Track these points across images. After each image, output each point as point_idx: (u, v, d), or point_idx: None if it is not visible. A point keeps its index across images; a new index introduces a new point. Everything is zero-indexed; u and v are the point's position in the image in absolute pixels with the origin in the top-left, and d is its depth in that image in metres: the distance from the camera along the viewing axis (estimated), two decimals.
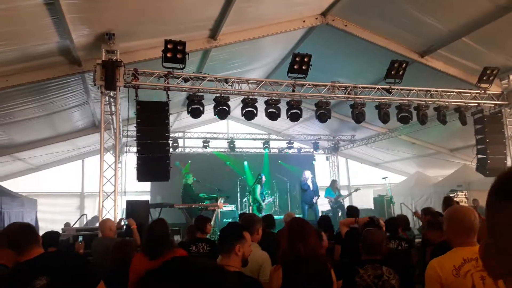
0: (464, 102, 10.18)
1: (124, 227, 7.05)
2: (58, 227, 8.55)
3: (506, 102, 10.49)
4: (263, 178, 13.21)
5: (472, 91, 10.21)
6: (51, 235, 5.33)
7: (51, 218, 13.69)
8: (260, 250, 3.90)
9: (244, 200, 14.34)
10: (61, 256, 2.59)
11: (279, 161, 17.36)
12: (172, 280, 0.99)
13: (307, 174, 13.24)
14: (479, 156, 10.34)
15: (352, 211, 6.29)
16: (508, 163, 10.33)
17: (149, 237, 3.64)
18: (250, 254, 2.77)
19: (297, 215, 8.12)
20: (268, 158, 17.35)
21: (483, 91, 10.22)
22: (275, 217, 6.35)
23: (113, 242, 4.49)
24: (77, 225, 10.35)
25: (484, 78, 9.70)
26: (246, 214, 4.34)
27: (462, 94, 10.17)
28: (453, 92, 10.08)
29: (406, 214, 10.39)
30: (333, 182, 14.86)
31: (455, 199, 10.33)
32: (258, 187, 12.92)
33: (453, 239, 2.50)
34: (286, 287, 2.87)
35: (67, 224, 10.32)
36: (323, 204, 15.78)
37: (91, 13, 6.52)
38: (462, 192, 11.78)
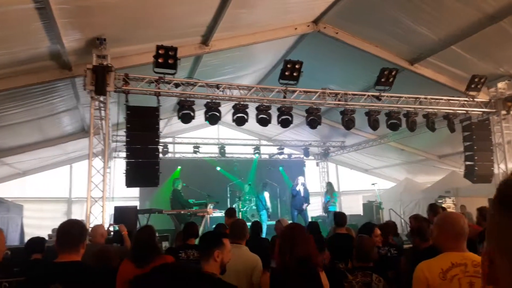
0: (452, 110, 10.30)
1: (112, 233, 6.97)
2: (44, 233, 8.44)
3: (494, 110, 10.64)
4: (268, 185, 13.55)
5: (460, 98, 10.34)
6: (37, 241, 5.23)
7: (37, 224, 13.47)
8: (251, 253, 3.93)
9: (234, 205, 14.30)
10: (78, 265, 2.58)
11: (280, 167, 17.30)
12: (159, 285, 0.99)
13: (299, 179, 13.27)
14: (467, 162, 10.46)
15: (339, 218, 6.29)
16: (495, 170, 10.48)
17: (135, 244, 3.62)
18: (243, 256, 2.80)
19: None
20: (256, 164, 17.34)
21: (471, 99, 10.35)
22: (268, 223, 6.38)
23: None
24: None
25: (472, 86, 9.83)
26: (236, 221, 4.36)
27: (451, 101, 10.29)
28: (441, 99, 10.20)
29: (395, 220, 10.46)
30: (327, 185, 14.79)
31: (443, 205, 10.48)
32: (267, 194, 13.23)
33: (443, 244, 2.53)
34: None
35: (54, 230, 10.17)
36: (313, 210, 15.82)
37: (82, 18, 6.47)
38: (450, 198, 11.91)
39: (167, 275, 2.32)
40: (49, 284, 2.41)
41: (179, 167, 15.24)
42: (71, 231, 2.63)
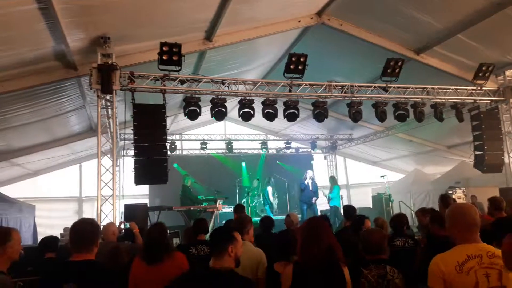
0: (460, 99, 10.20)
1: (123, 231, 7.02)
2: (56, 232, 8.52)
3: (502, 98, 10.52)
4: (272, 180, 13.60)
5: (468, 87, 10.24)
6: (50, 240, 5.30)
7: (49, 223, 13.62)
8: (255, 247, 3.97)
9: (242, 201, 14.34)
10: (91, 264, 2.61)
11: (278, 162, 17.36)
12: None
13: (308, 173, 13.26)
14: (477, 152, 10.37)
15: (349, 211, 6.27)
16: (506, 159, 10.37)
17: (147, 242, 3.65)
18: (248, 252, 2.80)
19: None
20: (264, 159, 17.35)
21: (479, 88, 10.24)
22: (274, 217, 6.38)
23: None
24: None
25: (480, 74, 9.72)
26: (239, 217, 4.39)
27: (459, 91, 10.19)
28: (449, 89, 10.10)
29: (405, 212, 10.40)
30: (330, 179, 14.75)
31: (453, 196, 10.39)
32: (270, 188, 13.29)
33: (456, 236, 2.51)
34: (297, 286, 2.88)
35: (66, 229, 10.28)
36: (322, 204, 15.79)
37: (86, 17, 6.49)
38: (461, 188, 11.78)
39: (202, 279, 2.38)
40: (63, 283, 2.45)
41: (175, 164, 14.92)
42: (83, 230, 2.67)
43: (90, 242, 2.62)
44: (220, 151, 17.21)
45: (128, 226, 6.29)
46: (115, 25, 7.09)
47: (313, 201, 12.83)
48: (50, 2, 5.43)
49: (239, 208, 6.94)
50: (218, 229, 3.14)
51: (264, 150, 17.29)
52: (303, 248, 2.93)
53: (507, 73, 10.35)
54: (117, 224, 7.00)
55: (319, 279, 2.83)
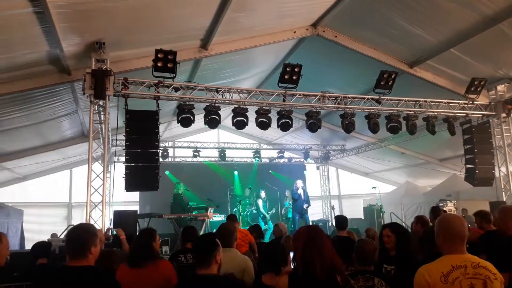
0: (452, 113, 10.28)
1: (112, 237, 6.94)
2: (44, 238, 8.39)
3: (494, 113, 10.63)
4: (263, 193, 13.69)
5: (460, 101, 10.33)
6: (42, 246, 5.22)
7: (38, 229, 13.46)
8: (241, 255, 3.95)
9: (234, 210, 14.28)
10: (87, 269, 2.57)
11: (270, 171, 17.36)
12: None
13: (299, 183, 13.30)
14: (468, 166, 10.43)
15: (340, 221, 6.27)
16: (496, 173, 10.44)
17: (134, 246, 3.63)
18: (233, 259, 2.81)
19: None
20: (256, 168, 17.33)
21: (471, 102, 10.34)
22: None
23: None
24: (64, 236, 10.17)
25: (472, 88, 9.82)
26: (222, 225, 4.33)
27: (451, 104, 10.28)
28: (441, 102, 10.19)
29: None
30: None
31: (444, 209, 10.44)
32: (260, 201, 13.41)
33: (442, 246, 2.52)
34: None
35: (53, 235, 10.14)
36: (313, 214, 15.79)
37: (81, 22, 6.48)
38: (451, 201, 11.85)
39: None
40: None
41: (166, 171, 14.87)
42: (77, 236, 2.65)
43: (85, 247, 2.59)
44: (212, 159, 17.18)
45: (115, 232, 6.22)
46: (110, 30, 7.09)
47: (304, 207, 12.92)
48: (46, 6, 5.42)
49: (231, 218, 6.90)
50: (204, 238, 3.15)
51: (257, 159, 17.29)
52: (305, 262, 2.74)
53: (499, 88, 10.45)
54: (104, 230, 6.94)
55: None
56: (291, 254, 3.23)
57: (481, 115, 10.66)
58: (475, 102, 10.40)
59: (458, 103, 10.33)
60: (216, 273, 2.74)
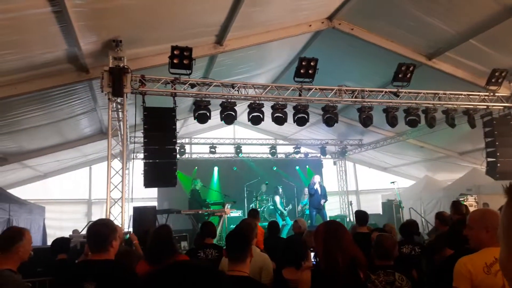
0: (472, 105, 10.08)
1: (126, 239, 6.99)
2: (66, 234, 8.55)
3: None
4: (280, 189, 13.64)
5: (480, 93, 10.12)
6: (62, 241, 5.33)
7: (59, 225, 13.73)
8: (259, 252, 3.96)
9: (251, 205, 14.31)
10: (109, 263, 2.63)
11: (274, 167, 17.23)
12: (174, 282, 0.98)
13: (316, 178, 13.25)
14: (489, 159, 10.23)
15: (361, 216, 6.23)
16: None
17: (151, 242, 3.64)
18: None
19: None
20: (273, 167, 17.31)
21: (492, 93, 10.12)
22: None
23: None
24: (85, 232, 10.34)
25: (493, 80, 9.60)
26: (245, 221, 4.36)
27: (471, 96, 10.08)
28: (461, 94, 9.99)
29: (415, 218, 10.28)
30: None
31: (464, 203, 10.25)
32: (277, 197, 13.43)
33: (484, 238, 2.48)
34: None
35: (75, 231, 10.32)
36: (331, 210, 15.71)
37: (98, 21, 6.55)
38: (472, 196, 11.63)
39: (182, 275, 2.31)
40: (83, 282, 2.46)
41: (196, 168, 15.21)
42: (98, 230, 2.72)
43: (106, 242, 2.65)
44: (229, 155, 17.22)
45: (128, 236, 6.21)
46: (126, 28, 7.14)
47: (322, 202, 12.86)
48: (64, 6, 5.48)
49: (253, 214, 6.91)
50: (237, 234, 3.05)
51: (273, 154, 17.26)
52: (327, 256, 2.75)
53: None
54: (125, 227, 7.01)
55: (339, 287, 2.73)
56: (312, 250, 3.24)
57: (502, 107, 10.42)
58: (496, 94, 10.17)
59: (478, 95, 10.12)
60: (242, 272, 2.67)
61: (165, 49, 7.62)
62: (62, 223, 14.11)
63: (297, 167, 17.66)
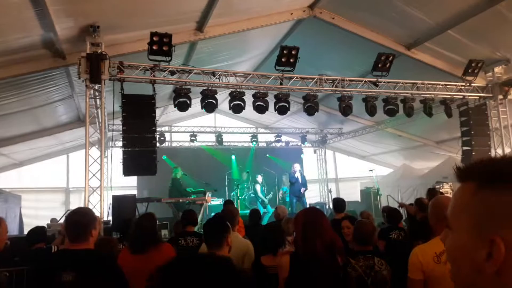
0: (449, 95, 10.28)
1: (111, 222, 6.96)
2: (43, 223, 8.42)
3: (491, 95, 10.63)
4: (260, 177, 13.87)
5: (457, 83, 10.32)
6: (39, 231, 5.25)
7: (36, 214, 13.47)
8: (242, 238, 3.99)
9: (232, 194, 14.34)
10: (88, 252, 2.58)
11: (267, 155, 17.36)
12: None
13: (296, 167, 13.35)
14: (464, 148, 10.49)
15: (338, 203, 6.32)
16: (492, 155, 10.49)
17: (136, 231, 3.62)
18: (235, 243, 2.85)
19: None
20: (253, 152, 17.34)
21: (468, 84, 10.34)
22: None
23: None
24: (63, 221, 10.18)
25: (469, 70, 9.80)
26: (227, 208, 4.41)
27: (448, 86, 10.27)
28: (439, 84, 10.18)
29: (393, 205, 10.48)
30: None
31: (440, 191, 10.51)
32: (258, 186, 13.45)
33: (436, 227, 2.54)
34: (295, 278, 2.86)
35: (53, 220, 10.18)
36: (311, 197, 15.88)
37: (75, 5, 6.37)
38: (448, 183, 11.92)
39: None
40: (62, 271, 2.42)
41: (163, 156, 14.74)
42: (78, 220, 2.66)
43: (86, 230, 2.60)
44: (210, 143, 17.15)
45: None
46: (105, 13, 6.98)
47: (302, 191, 12.99)
48: None
49: (228, 203, 6.98)
50: (214, 220, 3.16)
51: (254, 143, 17.29)
52: (305, 241, 2.87)
53: (496, 69, 10.44)
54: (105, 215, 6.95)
55: (317, 270, 2.81)
56: (293, 236, 3.30)
57: (478, 97, 10.67)
58: (472, 84, 10.40)
59: (455, 85, 10.32)
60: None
61: (144, 35, 7.49)
62: (38, 212, 13.85)
63: (268, 155, 17.62)
